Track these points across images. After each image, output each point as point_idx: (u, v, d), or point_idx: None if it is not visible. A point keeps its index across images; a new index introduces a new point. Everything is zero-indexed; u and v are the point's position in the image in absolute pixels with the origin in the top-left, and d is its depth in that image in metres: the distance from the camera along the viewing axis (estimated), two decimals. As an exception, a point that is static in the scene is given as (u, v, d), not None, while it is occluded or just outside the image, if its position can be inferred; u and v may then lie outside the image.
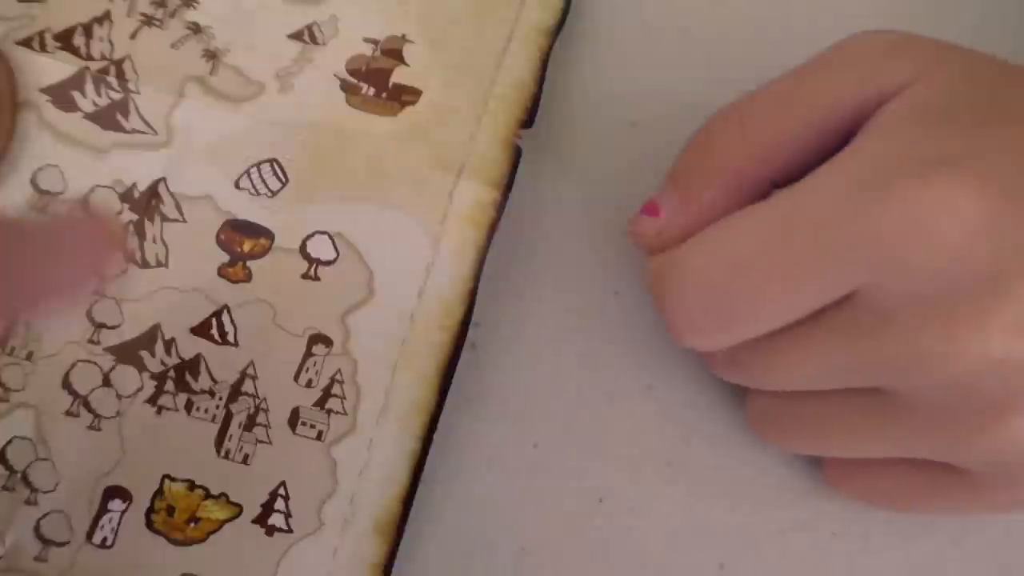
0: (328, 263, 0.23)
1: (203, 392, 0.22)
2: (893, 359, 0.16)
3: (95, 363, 0.22)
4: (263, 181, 0.23)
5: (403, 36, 0.24)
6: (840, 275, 0.16)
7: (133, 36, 0.23)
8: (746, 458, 0.23)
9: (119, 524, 0.21)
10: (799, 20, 0.25)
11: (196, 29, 0.24)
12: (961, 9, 0.26)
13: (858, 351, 0.17)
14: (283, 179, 0.23)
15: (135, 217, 0.23)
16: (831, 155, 0.18)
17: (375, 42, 0.24)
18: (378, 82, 0.24)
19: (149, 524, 0.21)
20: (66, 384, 0.22)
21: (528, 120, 0.23)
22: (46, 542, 0.21)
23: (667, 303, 0.19)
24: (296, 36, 0.24)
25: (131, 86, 0.23)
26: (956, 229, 0.15)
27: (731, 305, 0.18)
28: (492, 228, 0.23)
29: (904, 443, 0.19)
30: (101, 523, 0.21)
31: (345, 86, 0.23)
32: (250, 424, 0.22)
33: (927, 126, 0.16)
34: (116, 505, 0.21)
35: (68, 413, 0.22)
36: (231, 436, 0.22)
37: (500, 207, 0.23)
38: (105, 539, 0.21)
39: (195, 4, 0.24)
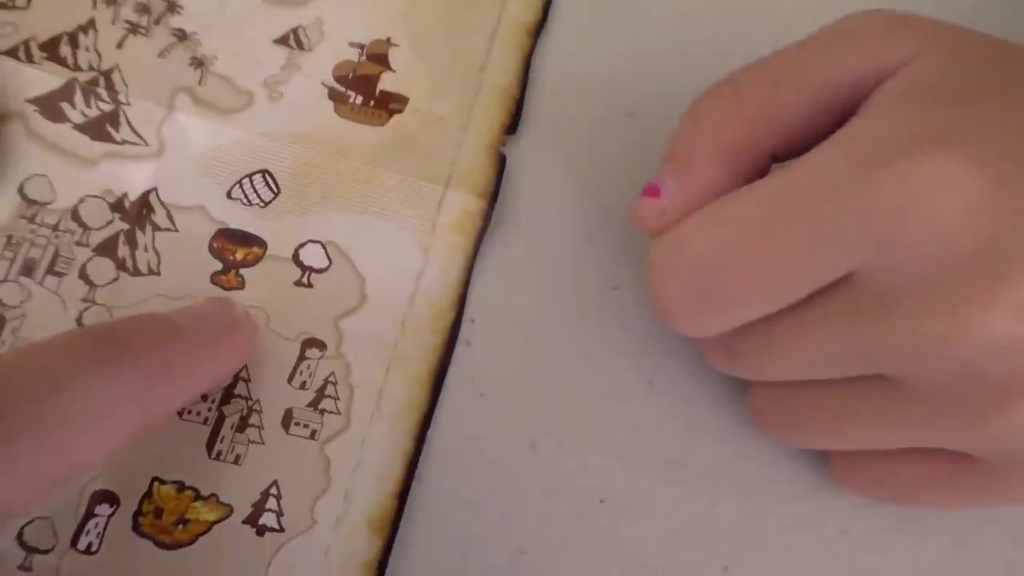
0: (321, 271, 0.23)
1: (195, 395, 0.22)
2: (895, 343, 0.16)
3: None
4: (255, 192, 0.24)
5: (388, 39, 0.25)
6: (835, 255, 0.16)
7: (120, 45, 0.24)
8: (749, 454, 0.23)
9: (105, 529, 0.21)
10: (799, 7, 0.24)
11: (182, 36, 0.24)
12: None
13: (859, 336, 0.17)
14: (275, 190, 0.24)
15: (126, 227, 0.23)
16: (830, 129, 0.18)
17: (361, 47, 0.25)
18: (365, 90, 0.24)
19: (136, 527, 0.21)
20: (55, 388, 0.22)
21: (512, 126, 0.24)
22: (30, 550, 0.21)
23: (659, 283, 0.18)
24: (282, 41, 0.25)
25: (121, 98, 0.24)
26: (954, 206, 0.15)
27: (723, 286, 0.17)
28: (479, 236, 0.24)
29: (910, 432, 0.18)
30: (87, 528, 0.21)
31: (333, 95, 0.24)
32: (243, 425, 0.22)
33: (924, 104, 0.16)
34: (103, 509, 0.21)
35: (56, 418, 0.21)
36: (223, 438, 0.22)
37: (487, 216, 0.24)
38: (90, 544, 0.21)
39: (179, 9, 0.24)
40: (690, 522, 0.23)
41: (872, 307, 0.16)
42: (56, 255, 0.23)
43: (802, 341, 0.17)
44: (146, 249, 0.23)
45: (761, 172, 0.19)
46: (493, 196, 0.24)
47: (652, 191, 0.19)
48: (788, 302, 0.17)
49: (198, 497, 0.22)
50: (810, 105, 0.18)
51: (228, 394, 0.22)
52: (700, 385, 0.23)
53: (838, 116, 0.18)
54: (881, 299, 0.16)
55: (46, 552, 0.21)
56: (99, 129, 0.23)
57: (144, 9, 0.24)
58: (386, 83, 0.25)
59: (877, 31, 0.18)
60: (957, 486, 0.19)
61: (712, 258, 0.17)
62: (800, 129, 0.18)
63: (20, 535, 0.21)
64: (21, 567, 0.21)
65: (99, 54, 0.24)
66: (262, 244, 0.23)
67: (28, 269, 0.22)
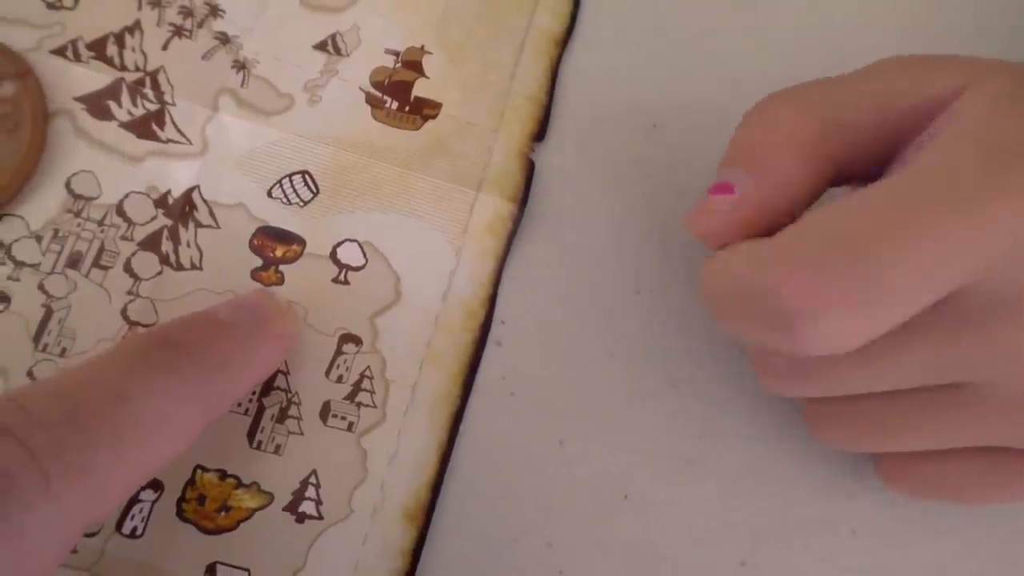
0: (357, 268, 0.24)
1: (237, 387, 0.23)
2: (986, 352, 0.16)
3: (131, 358, 0.23)
4: (295, 191, 0.24)
5: (422, 47, 0.26)
6: (953, 269, 0.16)
7: (165, 47, 0.25)
8: (767, 456, 0.24)
9: (149, 514, 0.22)
10: (820, 25, 0.26)
11: (224, 39, 0.25)
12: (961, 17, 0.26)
13: (958, 346, 0.17)
14: (314, 190, 0.24)
15: (169, 223, 0.24)
16: (886, 153, 0.19)
17: (396, 53, 0.26)
18: (401, 95, 0.25)
19: (180, 513, 0.22)
20: (102, 379, 0.22)
21: (540, 133, 0.25)
22: (75, 532, 0.22)
23: (778, 275, 0.17)
24: (320, 47, 0.25)
25: (167, 98, 0.24)
26: None
27: (857, 279, 0.16)
28: (510, 238, 0.25)
29: (982, 433, 0.18)
30: (132, 513, 0.22)
31: (370, 99, 0.25)
32: (282, 416, 0.23)
33: (1009, 118, 0.16)
34: (147, 495, 0.22)
35: (102, 407, 0.22)
36: (263, 428, 0.23)
37: (517, 219, 0.25)
38: (135, 529, 0.22)
39: (221, 13, 0.25)
40: (709, 519, 0.23)
41: (978, 318, 0.16)
42: (102, 249, 0.23)
43: (899, 355, 0.17)
44: (189, 245, 0.24)
45: (825, 182, 0.19)
46: (523, 201, 0.25)
47: (723, 188, 0.19)
48: (918, 309, 0.16)
49: (240, 485, 0.22)
50: (872, 124, 0.19)
51: (268, 386, 0.23)
52: (722, 388, 0.24)
53: (893, 141, 0.19)
54: (992, 309, 0.16)
55: (92, 535, 0.22)
56: (145, 128, 0.24)
57: (187, 12, 0.25)
58: (420, 89, 0.25)
59: (926, 66, 0.18)
60: (1015, 481, 0.19)
61: (838, 260, 0.16)
62: (863, 145, 0.19)
63: (67, 518, 0.22)
64: (68, 549, 0.22)
65: (145, 55, 0.25)
66: (301, 242, 0.24)
67: (74, 262, 0.23)
